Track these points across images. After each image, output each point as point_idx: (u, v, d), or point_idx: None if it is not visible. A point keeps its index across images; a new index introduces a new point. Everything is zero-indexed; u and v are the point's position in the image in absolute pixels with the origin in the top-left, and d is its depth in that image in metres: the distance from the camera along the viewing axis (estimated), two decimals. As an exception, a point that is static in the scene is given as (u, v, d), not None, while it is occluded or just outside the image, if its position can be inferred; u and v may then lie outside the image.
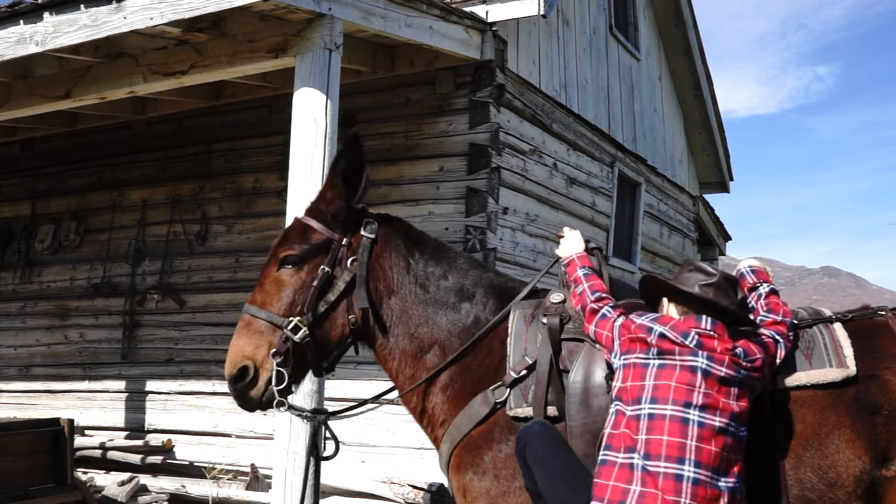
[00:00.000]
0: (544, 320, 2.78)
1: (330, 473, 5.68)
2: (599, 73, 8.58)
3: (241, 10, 4.89)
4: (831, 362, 2.61)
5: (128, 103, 7.32)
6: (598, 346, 2.66)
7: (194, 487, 5.65)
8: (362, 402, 3.21)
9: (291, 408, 2.97)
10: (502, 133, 6.57)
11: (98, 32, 5.02)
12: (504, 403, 2.70)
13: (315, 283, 2.85)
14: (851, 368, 2.58)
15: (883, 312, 2.72)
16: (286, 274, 2.89)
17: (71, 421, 4.71)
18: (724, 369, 2.43)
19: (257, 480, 5.61)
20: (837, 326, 2.71)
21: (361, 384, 6.01)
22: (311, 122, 4.76)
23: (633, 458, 2.35)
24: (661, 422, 2.35)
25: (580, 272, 2.85)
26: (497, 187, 6.46)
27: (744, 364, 2.48)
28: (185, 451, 6.98)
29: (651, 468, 2.32)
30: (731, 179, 11.75)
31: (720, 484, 2.33)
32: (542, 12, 6.33)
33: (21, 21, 5.24)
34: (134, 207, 7.86)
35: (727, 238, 13.30)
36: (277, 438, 4.62)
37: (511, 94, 6.72)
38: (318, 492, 4.69)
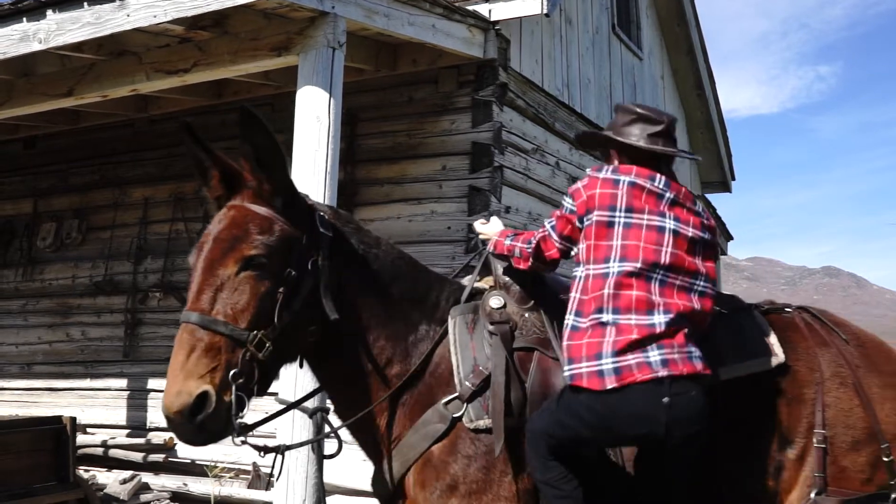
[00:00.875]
0: (491, 328, 2.68)
1: (332, 472, 5.68)
2: (602, 72, 8.57)
3: (245, 8, 4.89)
4: (765, 351, 2.70)
5: (130, 101, 7.32)
6: (571, 246, 2.63)
7: (196, 486, 5.65)
8: (281, 411, 3.09)
9: (248, 440, 2.50)
10: (505, 132, 6.57)
11: (101, 30, 5.02)
12: (461, 417, 2.58)
13: (282, 289, 2.44)
14: (781, 356, 2.69)
15: (790, 310, 2.91)
16: (250, 277, 2.42)
17: (73, 419, 4.71)
18: (691, 229, 2.53)
19: (259, 479, 5.61)
20: (758, 315, 2.84)
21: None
22: (315, 120, 4.76)
23: (601, 316, 2.42)
24: (628, 279, 2.43)
25: (507, 241, 2.80)
26: (500, 186, 6.45)
27: (707, 223, 2.61)
28: (186, 449, 6.97)
29: (622, 321, 2.39)
30: (733, 179, 11.75)
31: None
32: (545, 11, 6.33)
33: (24, 18, 5.24)
34: (136, 205, 7.86)
35: (729, 237, 13.29)
36: (279, 436, 4.61)
37: (514, 93, 6.71)
38: (323, 490, 4.71)
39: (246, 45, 5.13)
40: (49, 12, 5.16)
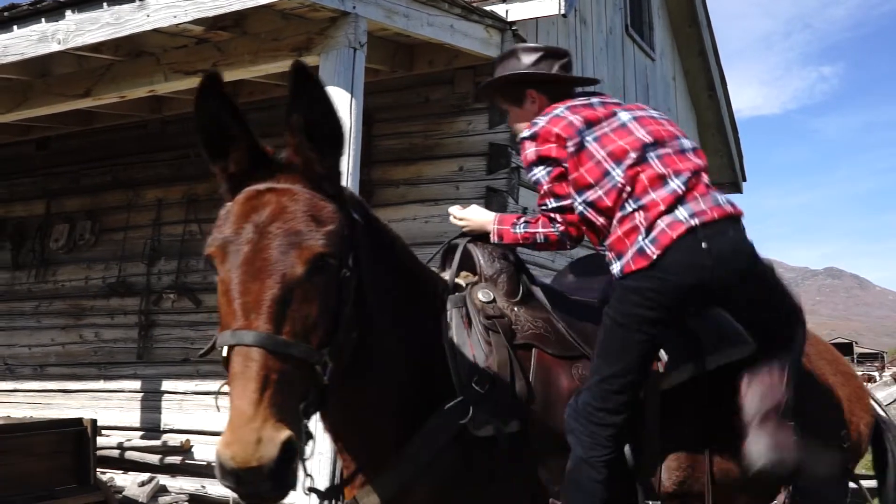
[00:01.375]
0: (486, 322, 2.52)
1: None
2: (616, 72, 8.55)
3: (264, 9, 4.87)
4: (740, 339, 2.70)
5: (143, 102, 7.30)
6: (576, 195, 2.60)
7: (214, 488, 5.63)
8: None
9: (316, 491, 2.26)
10: (521, 133, 6.54)
11: (121, 31, 5.00)
12: (470, 423, 2.34)
13: (342, 294, 2.03)
14: (752, 343, 2.69)
15: None
16: (320, 282, 1.94)
17: (93, 421, 4.69)
18: (639, 111, 2.72)
19: (277, 481, 5.58)
20: None
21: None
22: (336, 121, 4.72)
23: (626, 208, 2.48)
24: (632, 170, 2.50)
25: (520, 230, 2.68)
26: (517, 187, 6.43)
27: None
28: (202, 451, 6.95)
29: (646, 201, 2.47)
30: (744, 180, 11.71)
31: None
32: (562, 12, 6.31)
33: (43, 19, 5.23)
34: (149, 207, 7.83)
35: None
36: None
37: (530, 94, 6.68)
38: (343, 492, 4.68)
39: (266, 46, 5.11)
40: (68, 13, 5.14)
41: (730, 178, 11.59)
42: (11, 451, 4.22)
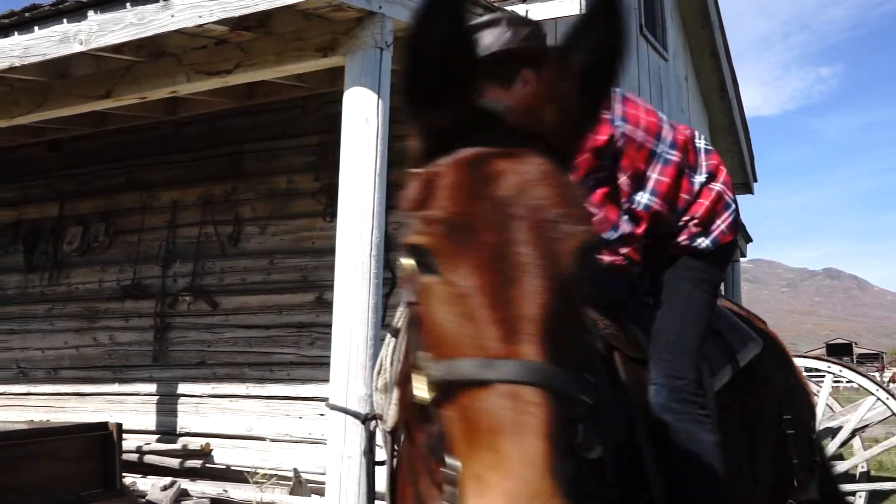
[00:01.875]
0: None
1: (377, 479, 5.61)
2: (631, 73, 8.51)
3: (289, 9, 4.83)
4: (749, 336, 2.76)
5: (159, 103, 7.25)
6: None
7: (237, 492, 5.58)
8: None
9: None
10: (542, 133, 6.50)
11: (144, 31, 4.96)
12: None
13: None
14: (760, 341, 2.77)
15: None
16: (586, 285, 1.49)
17: (119, 425, 4.65)
18: None
19: (301, 485, 5.54)
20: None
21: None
22: (363, 121, 4.69)
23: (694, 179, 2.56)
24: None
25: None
26: (538, 188, 6.39)
27: None
28: (220, 454, 6.90)
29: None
30: (755, 181, 11.69)
31: None
32: (583, 11, 6.26)
33: (65, 20, 5.18)
34: (164, 209, 7.79)
35: (748, 240, 13.24)
36: (331, 443, 4.55)
37: (550, 95, 6.64)
38: (374, 498, 4.63)
39: (291, 46, 5.06)
40: (91, 13, 5.10)
41: (741, 178, 11.57)
42: (40, 456, 4.17)
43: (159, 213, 7.80)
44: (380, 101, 4.72)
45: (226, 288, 7.34)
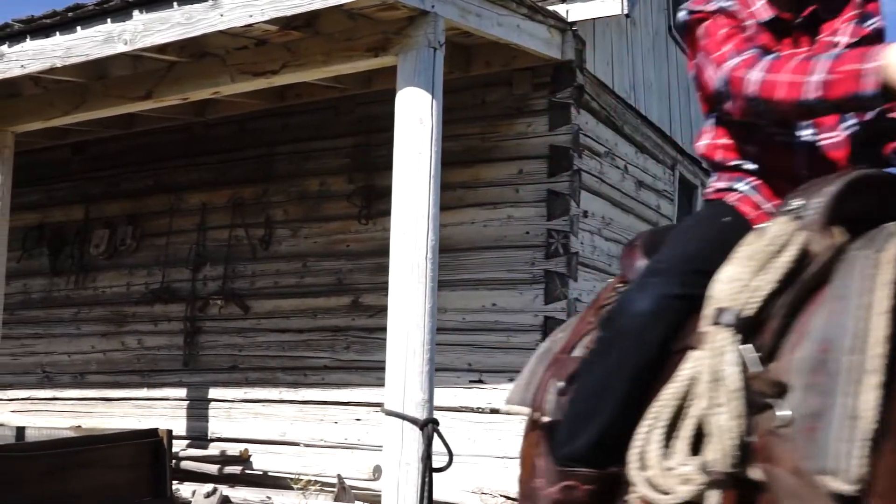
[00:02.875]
0: None
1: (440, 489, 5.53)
2: (661, 74, 8.45)
3: (337, 9, 4.77)
4: None
5: (188, 105, 7.17)
6: None
7: (280, 499, 5.50)
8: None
9: None
10: (581, 135, 6.43)
11: (191, 31, 4.89)
12: None
13: None
14: None
15: None
16: None
17: (169, 431, 4.56)
18: None
19: (345, 492, 5.46)
20: None
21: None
22: (417, 122, 4.62)
23: None
24: None
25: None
26: (579, 190, 6.32)
27: None
28: (255, 460, 6.80)
29: None
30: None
31: None
32: (625, 12, 6.21)
33: (109, 19, 5.11)
34: (193, 211, 7.70)
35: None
36: (387, 449, 4.47)
37: (589, 96, 6.58)
38: (432, 503, 4.55)
39: (340, 46, 4.99)
40: (136, 13, 5.02)
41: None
42: (93, 463, 4.09)
43: (188, 215, 7.71)
44: (434, 102, 4.65)
45: (257, 291, 7.25)
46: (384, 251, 6.73)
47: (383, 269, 6.71)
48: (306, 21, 4.98)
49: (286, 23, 4.84)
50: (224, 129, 7.67)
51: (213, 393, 7.30)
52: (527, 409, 2.21)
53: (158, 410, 7.54)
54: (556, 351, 2.22)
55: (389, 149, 7.00)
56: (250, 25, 4.74)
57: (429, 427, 4.35)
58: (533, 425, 2.19)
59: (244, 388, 7.16)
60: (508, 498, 5.41)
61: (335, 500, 5.39)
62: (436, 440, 4.29)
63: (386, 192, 6.74)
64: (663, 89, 8.45)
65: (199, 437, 7.24)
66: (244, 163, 7.53)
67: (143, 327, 7.76)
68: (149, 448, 4.43)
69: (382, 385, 6.57)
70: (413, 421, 4.35)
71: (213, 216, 7.59)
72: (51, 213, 8.46)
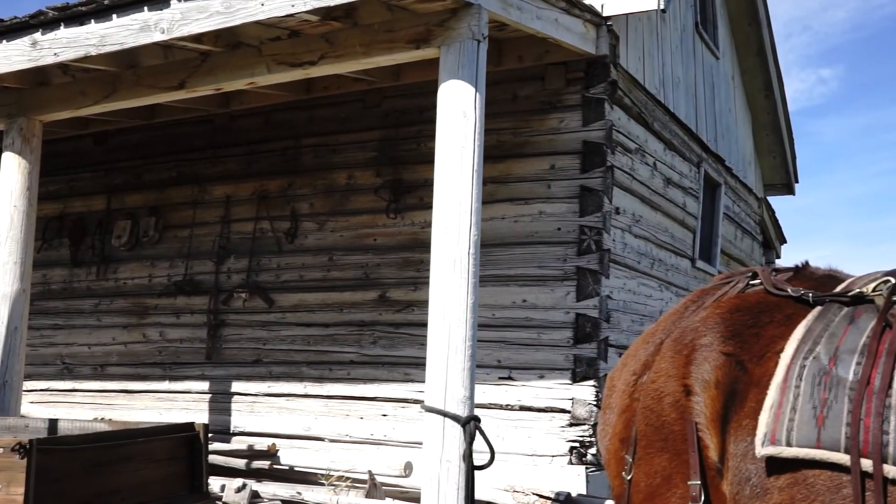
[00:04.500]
0: None
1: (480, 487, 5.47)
2: (688, 71, 8.39)
3: (376, 0, 4.70)
4: None
5: (214, 96, 7.09)
6: None
7: (310, 494, 5.44)
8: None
9: None
10: (614, 131, 6.37)
11: (230, 20, 4.81)
12: None
13: None
14: None
15: None
16: None
17: (206, 426, 4.49)
18: None
19: (376, 488, 5.40)
20: None
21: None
22: (461, 116, 4.55)
23: None
24: None
25: None
26: (611, 186, 6.26)
27: None
28: (290, 455, 6.71)
29: None
30: (797, 181, 11.57)
31: None
32: (661, 7, 6.14)
33: (146, 7, 5.03)
34: (217, 203, 7.64)
35: (783, 241, 13.12)
36: (427, 446, 4.40)
37: (622, 91, 6.52)
38: (473, 502, 4.49)
39: (380, 38, 4.91)
40: (174, 1, 4.95)
41: (783, 179, 11.46)
42: (133, 458, 4.03)
43: (212, 207, 7.66)
44: (477, 94, 4.59)
45: (282, 285, 7.19)
46: (412, 245, 6.72)
47: (411, 264, 6.69)
48: (345, 12, 4.91)
49: (326, 13, 4.76)
50: (249, 120, 7.61)
51: (237, 387, 7.25)
52: (838, 455, 1.91)
53: (180, 403, 7.50)
54: (854, 380, 1.96)
55: (417, 143, 7.03)
56: (291, 15, 4.65)
57: (471, 424, 4.28)
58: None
59: (268, 382, 7.11)
60: (541, 496, 5.35)
61: (367, 496, 5.33)
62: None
63: (414, 187, 6.72)
64: (690, 86, 8.38)
65: (221, 431, 7.19)
66: (269, 155, 7.47)
67: (165, 319, 7.70)
68: (185, 442, 4.37)
69: (410, 381, 6.59)
70: (455, 418, 4.28)
71: (238, 208, 7.53)
72: (71, 204, 8.40)
